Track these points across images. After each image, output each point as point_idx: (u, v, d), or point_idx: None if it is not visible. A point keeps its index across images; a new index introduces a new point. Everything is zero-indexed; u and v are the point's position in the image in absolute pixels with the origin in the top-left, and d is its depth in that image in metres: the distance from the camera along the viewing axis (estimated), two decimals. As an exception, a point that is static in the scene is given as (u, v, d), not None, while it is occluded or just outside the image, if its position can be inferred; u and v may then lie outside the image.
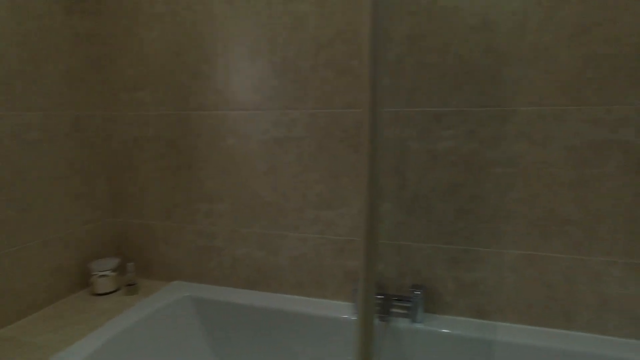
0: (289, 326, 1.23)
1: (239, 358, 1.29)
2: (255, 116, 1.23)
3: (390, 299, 1.13)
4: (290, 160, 1.22)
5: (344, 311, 1.19)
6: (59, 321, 1.14)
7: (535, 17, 0.97)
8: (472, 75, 1.03)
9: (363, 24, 0.64)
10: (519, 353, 1.03)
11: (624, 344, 1.00)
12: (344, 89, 1.14)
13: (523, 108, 1.01)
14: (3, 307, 1.10)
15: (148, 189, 1.39)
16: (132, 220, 1.43)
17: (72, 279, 1.32)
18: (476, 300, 1.12)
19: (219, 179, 1.31)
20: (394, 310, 1.16)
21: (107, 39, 1.35)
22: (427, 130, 1.09)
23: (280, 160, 1.23)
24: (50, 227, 1.23)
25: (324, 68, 1.15)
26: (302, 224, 1.25)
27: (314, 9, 1.13)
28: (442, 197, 1.10)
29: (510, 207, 1.05)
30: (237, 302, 1.27)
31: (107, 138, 1.41)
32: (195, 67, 1.27)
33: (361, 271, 0.70)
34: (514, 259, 1.07)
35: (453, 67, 1.04)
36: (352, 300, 1.22)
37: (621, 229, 0.98)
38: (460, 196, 1.09)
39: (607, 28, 0.93)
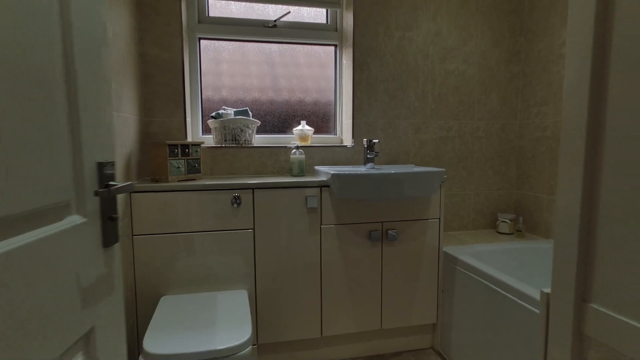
0: None
1: None
2: None
3: None
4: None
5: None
6: (477, 238, 2.22)
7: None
8: None
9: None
10: None
11: None
12: None
13: None
14: (456, 223, 2.32)
15: (541, 173, 2.20)
16: (527, 192, 2.30)
17: (486, 220, 2.38)
18: None
19: (592, 167, 1.91)
20: None
21: (528, 75, 2.28)
22: None
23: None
24: (481, 185, 2.34)
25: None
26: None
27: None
28: None
29: None
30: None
31: (519, 137, 2.35)
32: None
33: None
34: None
35: None
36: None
37: None
38: None
39: None
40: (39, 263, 0.48)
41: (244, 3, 2.10)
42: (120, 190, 0.59)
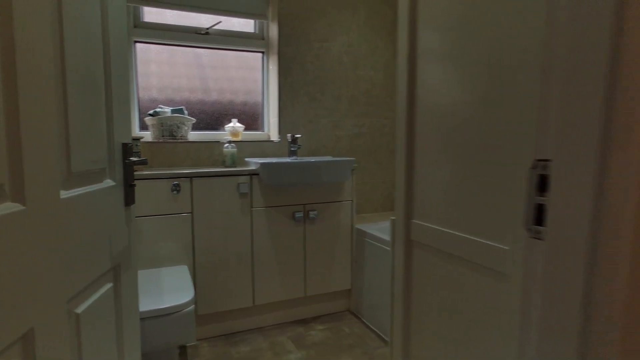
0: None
1: None
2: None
3: None
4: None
5: None
6: (385, 217, 2.73)
7: None
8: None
9: None
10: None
11: None
12: None
13: None
14: (368, 207, 2.81)
15: (433, 163, 2.78)
16: (423, 180, 2.87)
17: (392, 203, 2.91)
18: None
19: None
20: None
21: (422, 82, 2.85)
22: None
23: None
24: (388, 174, 2.86)
25: None
26: None
27: None
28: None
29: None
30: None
31: (417, 135, 2.92)
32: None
33: None
34: None
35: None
36: None
37: None
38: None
39: None
40: (92, 207, 0.78)
41: (177, 11, 2.37)
42: (139, 162, 0.90)
